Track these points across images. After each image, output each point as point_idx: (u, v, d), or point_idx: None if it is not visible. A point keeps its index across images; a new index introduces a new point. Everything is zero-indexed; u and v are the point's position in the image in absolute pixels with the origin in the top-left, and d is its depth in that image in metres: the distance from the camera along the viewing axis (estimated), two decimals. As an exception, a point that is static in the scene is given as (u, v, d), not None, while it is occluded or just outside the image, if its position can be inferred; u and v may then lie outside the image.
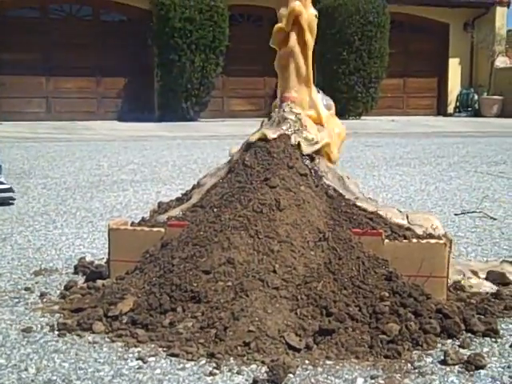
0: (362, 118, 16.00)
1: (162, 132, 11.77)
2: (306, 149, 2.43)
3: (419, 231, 2.35)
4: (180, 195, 2.74)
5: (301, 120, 2.51)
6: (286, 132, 2.44)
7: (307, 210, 2.27)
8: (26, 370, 1.77)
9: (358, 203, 2.42)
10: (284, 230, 2.19)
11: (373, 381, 1.71)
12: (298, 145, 2.43)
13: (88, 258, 2.88)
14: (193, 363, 1.81)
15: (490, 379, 1.72)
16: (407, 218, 2.42)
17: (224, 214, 2.27)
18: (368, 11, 15.27)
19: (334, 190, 2.41)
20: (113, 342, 1.95)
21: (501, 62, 17.73)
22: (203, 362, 1.81)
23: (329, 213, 2.33)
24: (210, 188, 2.51)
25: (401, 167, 6.72)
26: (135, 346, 1.91)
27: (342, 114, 15.78)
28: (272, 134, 2.43)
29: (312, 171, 2.40)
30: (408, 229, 2.34)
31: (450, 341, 1.97)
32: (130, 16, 15.10)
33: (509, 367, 1.79)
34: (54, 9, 14.63)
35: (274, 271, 2.08)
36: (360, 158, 7.57)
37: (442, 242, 2.25)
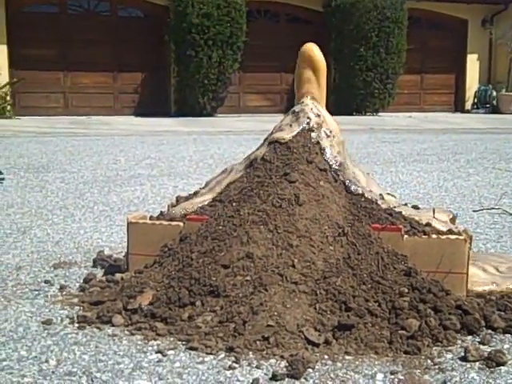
0: (379, 114, 15.93)
1: (179, 127, 11.79)
2: (326, 143, 2.42)
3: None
4: (198, 189, 2.75)
5: (320, 115, 2.50)
6: (306, 126, 2.44)
7: (326, 205, 2.27)
8: (46, 361, 1.78)
9: (377, 199, 2.41)
10: (303, 225, 2.18)
11: (392, 376, 1.70)
12: (318, 139, 2.43)
13: (106, 252, 2.89)
14: (212, 357, 1.81)
15: (511, 376, 1.71)
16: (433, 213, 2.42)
17: (243, 208, 2.27)
18: (386, 7, 15.20)
19: (354, 185, 2.40)
20: (132, 334, 1.96)
21: (519, 58, 17.59)
22: (222, 355, 1.81)
23: (348, 208, 2.33)
24: (229, 183, 2.50)
25: (418, 163, 6.69)
26: (154, 339, 1.92)
27: (358, 110, 15.78)
28: (286, 135, 2.43)
29: (331, 166, 2.39)
30: (428, 224, 2.33)
31: (470, 337, 1.96)
32: (147, 12, 15.13)
33: (530, 364, 1.78)
34: (72, 4, 14.70)
35: (293, 266, 2.08)
36: (377, 154, 7.54)
37: (462, 237, 2.24)
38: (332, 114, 2.61)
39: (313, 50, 2.54)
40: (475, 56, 18.09)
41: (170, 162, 6.66)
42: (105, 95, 14.81)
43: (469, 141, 9.55)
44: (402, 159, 7.08)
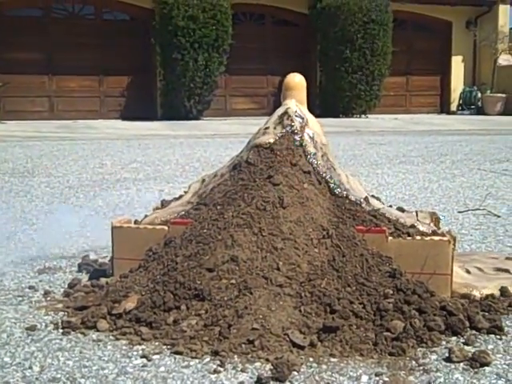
0: (365, 116, 15.97)
1: (165, 131, 11.77)
2: (310, 146, 2.43)
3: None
4: (183, 193, 2.75)
5: (303, 118, 2.50)
6: (289, 129, 2.44)
7: (311, 208, 2.27)
8: (30, 368, 1.77)
9: (361, 201, 2.42)
10: (287, 228, 2.18)
11: (377, 378, 1.71)
12: (301, 142, 2.43)
13: (91, 257, 2.88)
14: (197, 361, 1.80)
15: (494, 376, 1.72)
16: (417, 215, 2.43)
17: (227, 211, 2.27)
18: (371, 9, 15.25)
19: (338, 187, 2.40)
20: (117, 339, 1.95)
21: (503, 59, 17.72)
22: (207, 359, 1.81)
23: (332, 210, 2.33)
24: (212, 187, 2.50)
25: (404, 165, 6.71)
26: (139, 344, 1.91)
27: (345, 112, 15.81)
28: (270, 139, 2.43)
29: (315, 168, 2.40)
30: (412, 226, 2.34)
31: (454, 338, 1.96)
32: (132, 15, 15.10)
33: (514, 364, 1.79)
34: (56, 8, 14.64)
35: (278, 269, 2.08)
36: (363, 156, 7.56)
37: (445, 239, 2.25)
38: (318, 116, 2.62)
39: (294, 76, 2.57)
40: (460, 58, 18.21)
41: (156, 165, 6.65)
42: (90, 99, 14.76)
43: (454, 142, 9.60)
44: (388, 161, 7.11)
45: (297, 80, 2.58)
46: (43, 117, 14.11)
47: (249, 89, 16.17)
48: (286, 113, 2.48)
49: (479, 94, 17.86)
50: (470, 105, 17.94)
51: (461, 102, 18.13)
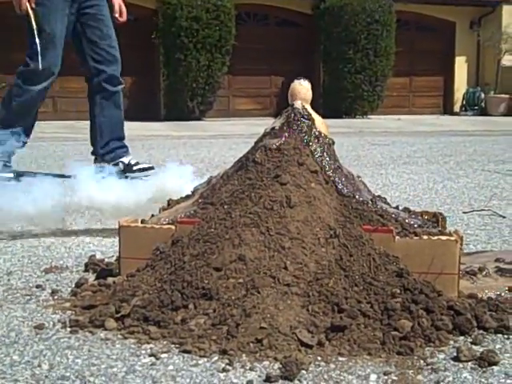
0: (368, 116, 15.98)
1: (168, 131, 11.79)
2: (317, 145, 2.43)
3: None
4: (190, 193, 2.75)
5: (310, 118, 2.51)
6: (297, 129, 2.45)
7: (318, 207, 2.27)
8: (39, 366, 1.77)
9: (368, 201, 2.42)
10: (295, 227, 2.19)
11: (386, 377, 1.71)
12: (308, 142, 2.44)
13: (98, 256, 2.89)
14: (205, 359, 1.81)
15: (503, 375, 1.72)
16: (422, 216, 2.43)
17: (235, 210, 2.27)
18: (374, 10, 15.26)
19: (345, 186, 2.41)
20: (125, 338, 1.95)
21: (507, 60, 17.70)
22: (216, 358, 1.81)
23: (339, 210, 2.33)
24: (219, 187, 2.51)
25: (408, 166, 6.71)
26: (147, 343, 1.92)
27: (348, 113, 15.82)
28: (279, 141, 2.43)
29: (322, 168, 2.40)
30: (420, 226, 2.34)
31: (462, 337, 1.96)
32: (136, 15, 15.11)
33: (522, 364, 1.79)
34: (60, 8, 14.65)
35: (286, 268, 2.08)
36: (367, 157, 7.56)
37: (453, 238, 2.25)
38: (321, 117, 2.62)
39: (299, 82, 2.59)
40: (463, 58, 18.20)
41: (160, 166, 6.63)
42: (94, 99, 14.76)
43: (458, 143, 9.60)
44: (392, 161, 7.11)
45: (304, 83, 2.59)
46: (47, 117, 14.10)
47: (252, 89, 16.19)
48: (293, 112, 2.48)
49: (483, 95, 17.85)
50: (473, 105, 17.93)
51: (464, 102, 18.12)
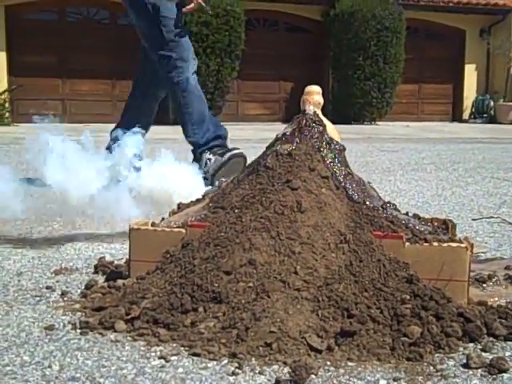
0: (377, 123, 15.98)
1: (178, 135, 11.77)
2: (328, 151, 2.44)
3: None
4: (200, 196, 2.76)
5: (321, 123, 2.52)
6: (308, 134, 2.45)
7: (328, 213, 2.28)
8: (49, 367, 1.78)
9: (379, 207, 2.42)
10: (305, 232, 2.19)
11: (395, 383, 1.71)
12: (320, 148, 2.44)
13: (107, 258, 2.90)
14: (215, 363, 1.81)
15: (513, 383, 1.72)
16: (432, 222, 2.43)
17: (245, 215, 2.28)
18: (384, 17, 15.27)
19: (356, 192, 2.41)
20: (135, 340, 1.96)
21: (517, 68, 17.68)
22: (225, 361, 1.82)
23: (350, 215, 2.33)
24: (230, 191, 2.52)
25: (417, 172, 6.71)
26: (157, 345, 1.92)
27: (356, 119, 15.82)
28: (291, 147, 2.44)
29: (333, 174, 2.41)
30: (430, 232, 2.34)
31: (471, 344, 1.96)
32: (146, 20, 15.17)
33: (531, 372, 1.79)
34: (71, 12, 14.74)
35: (296, 272, 2.09)
36: (375, 163, 7.56)
37: (463, 245, 2.25)
38: (330, 122, 2.63)
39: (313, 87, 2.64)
40: (473, 66, 18.19)
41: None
42: (103, 103, 14.84)
43: (467, 150, 9.58)
44: (401, 168, 7.10)
45: (316, 89, 2.61)
46: (56, 120, 14.18)
47: (261, 94, 16.22)
48: (304, 117, 2.49)
49: (492, 103, 17.83)
50: (482, 113, 17.91)
51: (473, 110, 18.10)
